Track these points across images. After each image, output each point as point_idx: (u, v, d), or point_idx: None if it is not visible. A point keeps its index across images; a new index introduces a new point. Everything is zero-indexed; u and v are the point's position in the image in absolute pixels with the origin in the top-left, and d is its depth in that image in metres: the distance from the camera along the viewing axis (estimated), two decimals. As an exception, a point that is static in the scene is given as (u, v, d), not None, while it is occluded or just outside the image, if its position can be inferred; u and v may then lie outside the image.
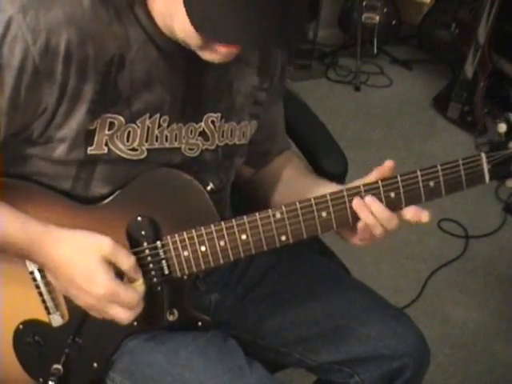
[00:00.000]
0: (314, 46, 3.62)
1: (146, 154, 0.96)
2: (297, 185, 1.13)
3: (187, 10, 0.83)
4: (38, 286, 0.98)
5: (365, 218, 0.95)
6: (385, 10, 3.50)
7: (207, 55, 0.90)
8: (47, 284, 0.98)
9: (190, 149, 1.01)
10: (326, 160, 1.36)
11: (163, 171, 0.98)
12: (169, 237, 0.96)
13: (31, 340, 1.01)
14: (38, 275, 0.98)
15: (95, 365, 1.02)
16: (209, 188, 0.97)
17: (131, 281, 0.94)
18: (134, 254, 0.96)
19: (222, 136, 1.05)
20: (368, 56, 3.52)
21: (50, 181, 0.96)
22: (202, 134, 1.02)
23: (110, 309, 0.92)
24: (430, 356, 1.16)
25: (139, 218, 0.96)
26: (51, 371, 1.01)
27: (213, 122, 1.02)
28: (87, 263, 0.90)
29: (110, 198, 0.96)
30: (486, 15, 2.90)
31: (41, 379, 1.03)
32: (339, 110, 3.17)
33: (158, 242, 0.96)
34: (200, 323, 1.03)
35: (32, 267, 0.97)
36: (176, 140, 0.99)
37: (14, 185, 0.96)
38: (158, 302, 1.00)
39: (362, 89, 3.38)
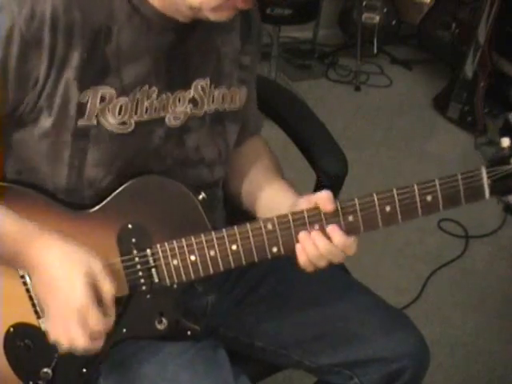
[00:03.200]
0: (314, 46, 3.62)
1: (133, 126, 0.95)
2: (259, 184, 1.12)
3: None
4: (28, 290, 0.98)
5: (309, 251, 0.95)
6: (385, 9, 3.49)
7: (219, 15, 0.90)
8: None
9: (175, 117, 1.00)
10: (326, 160, 1.35)
11: (155, 179, 0.98)
12: (158, 245, 0.96)
13: (21, 343, 1.00)
14: (28, 279, 0.97)
15: (84, 370, 1.01)
16: (200, 197, 0.97)
17: (104, 313, 0.90)
18: (124, 261, 0.96)
19: (212, 102, 1.04)
20: (368, 56, 3.52)
21: (44, 177, 0.96)
22: (192, 100, 1.01)
23: (73, 327, 0.88)
24: (429, 357, 1.16)
25: (130, 226, 0.96)
26: (41, 375, 1.01)
27: (202, 87, 1.02)
28: (72, 272, 0.89)
29: (101, 204, 0.96)
30: (485, 15, 2.90)
31: (31, 382, 1.02)
32: (339, 110, 3.16)
33: (148, 250, 0.96)
34: (189, 332, 1.02)
35: (23, 271, 0.97)
36: (163, 110, 0.98)
37: (7, 190, 0.96)
38: (147, 310, 0.99)
39: (362, 89, 3.38)
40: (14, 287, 0.98)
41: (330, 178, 1.31)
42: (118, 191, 0.96)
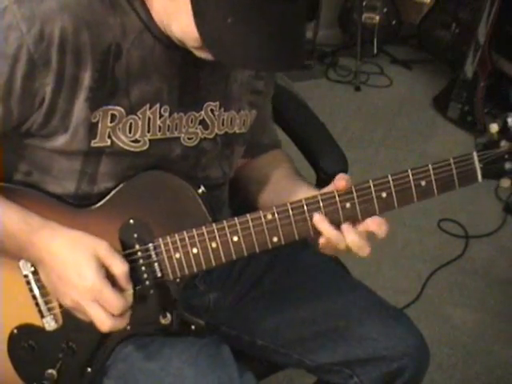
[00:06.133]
0: (314, 46, 3.62)
1: (148, 145, 0.96)
2: (282, 187, 1.13)
3: (198, 26, 0.84)
4: (31, 290, 0.98)
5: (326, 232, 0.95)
6: (385, 9, 3.50)
7: (203, 55, 0.90)
8: (41, 287, 0.98)
9: (189, 138, 1.02)
10: (326, 160, 1.36)
11: (155, 174, 0.98)
12: (160, 239, 0.96)
13: (25, 344, 1.01)
14: (31, 278, 0.97)
15: (89, 370, 1.02)
16: (200, 191, 0.98)
17: (121, 290, 0.92)
18: (126, 256, 0.96)
19: (222, 124, 1.05)
20: (368, 56, 3.52)
21: (54, 180, 0.96)
22: (202, 122, 1.02)
23: (91, 308, 0.89)
24: (429, 357, 1.16)
25: (131, 221, 0.96)
26: (45, 376, 1.01)
27: (212, 110, 1.03)
28: (80, 257, 0.90)
29: (103, 200, 0.97)
30: (485, 15, 2.90)
31: None
32: (339, 110, 3.17)
33: (150, 245, 0.96)
34: (193, 327, 1.02)
35: (26, 270, 0.97)
36: (176, 129, 0.99)
37: (10, 190, 0.96)
38: (150, 306, 0.99)
39: (362, 89, 3.38)
40: (17, 288, 0.98)
41: (330, 178, 1.31)
42: (118, 188, 0.97)
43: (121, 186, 0.97)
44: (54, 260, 0.92)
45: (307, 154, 1.39)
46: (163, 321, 1.00)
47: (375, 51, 3.57)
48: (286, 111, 1.47)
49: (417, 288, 2.18)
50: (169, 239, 0.96)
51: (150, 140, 0.96)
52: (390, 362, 1.11)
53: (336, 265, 1.36)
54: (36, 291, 0.98)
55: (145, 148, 0.96)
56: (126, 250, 0.97)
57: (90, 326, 0.93)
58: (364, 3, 3.43)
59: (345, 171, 1.34)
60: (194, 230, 0.95)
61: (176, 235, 0.96)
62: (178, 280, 0.98)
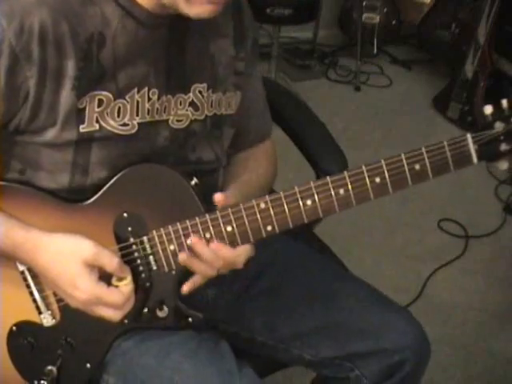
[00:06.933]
0: (314, 46, 3.62)
1: (136, 128, 0.98)
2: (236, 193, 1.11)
3: None
4: (28, 286, 0.99)
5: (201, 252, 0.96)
6: (385, 9, 3.50)
7: (195, 9, 0.91)
8: (37, 283, 0.98)
9: (178, 120, 1.03)
10: (326, 160, 1.36)
11: (148, 167, 0.99)
12: (154, 231, 0.97)
13: (24, 341, 1.01)
14: (28, 274, 0.98)
15: (88, 365, 1.02)
16: (193, 182, 0.98)
17: (120, 279, 0.94)
18: (121, 249, 0.97)
19: (211, 106, 1.06)
20: (368, 56, 3.52)
21: (48, 175, 0.97)
22: (192, 104, 1.04)
23: (97, 310, 0.93)
24: (430, 350, 1.16)
25: (125, 215, 0.97)
26: (45, 372, 1.01)
27: (200, 91, 1.04)
28: (69, 269, 0.91)
29: (97, 195, 0.97)
30: (485, 15, 2.90)
31: (35, 381, 1.02)
32: (339, 110, 3.16)
33: (145, 237, 0.97)
34: (190, 319, 1.02)
35: (22, 267, 0.98)
36: (165, 112, 1.01)
37: (4, 188, 0.97)
38: (147, 299, 1.00)
39: (362, 89, 3.38)
40: (15, 285, 0.99)
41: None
42: (111, 182, 0.97)
43: (114, 179, 0.97)
44: (46, 274, 0.93)
45: (307, 154, 1.39)
46: (160, 313, 1.01)
47: (375, 51, 3.57)
48: (286, 111, 1.47)
49: (417, 288, 2.18)
50: (162, 231, 0.97)
51: (138, 123, 0.98)
52: (391, 354, 1.11)
53: (335, 262, 1.37)
54: (33, 287, 0.98)
55: (133, 131, 0.97)
56: (120, 243, 0.97)
57: (88, 322, 0.95)
58: (364, 3, 3.43)
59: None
60: (187, 222, 0.96)
61: (170, 227, 0.96)
62: (173, 272, 0.99)
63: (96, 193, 0.97)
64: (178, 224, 0.96)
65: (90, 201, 0.97)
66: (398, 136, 3.00)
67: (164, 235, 0.97)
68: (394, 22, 3.56)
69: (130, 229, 0.97)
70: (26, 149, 0.96)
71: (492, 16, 2.89)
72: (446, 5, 3.34)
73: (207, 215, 0.96)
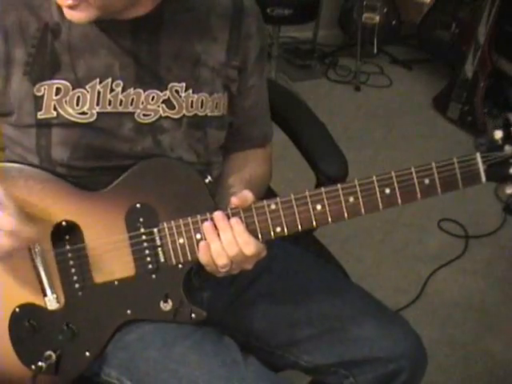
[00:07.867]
0: (314, 46, 3.62)
1: (95, 117, 0.99)
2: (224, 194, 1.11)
3: None
4: (35, 267, 0.99)
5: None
6: (385, 9, 3.50)
7: (66, 14, 0.93)
8: (45, 264, 0.99)
9: (145, 114, 1.03)
10: (326, 161, 1.35)
11: (164, 160, 1.01)
12: (165, 223, 0.98)
13: (26, 323, 1.01)
14: (35, 254, 0.98)
15: (87, 354, 1.02)
16: (207, 180, 1.00)
17: (7, 214, 0.89)
18: (131, 238, 0.98)
19: (191, 106, 1.05)
20: (368, 56, 3.52)
21: (23, 152, 1.01)
22: (166, 101, 1.04)
23: None
24: (426, 359, 1.15)
25: (138, 205, 0.98)
26: (44, 356, 1.01)
27: (177, 91, 1.04)
28: None
29: (112, 184, 0.99)
30: (486, 15, 2.90)
31: (33, 366, 1.02)
32: (339, 110, 3.17)
33: (155, 229, 0.98)
34: (194, 315, 1.02)
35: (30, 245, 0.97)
36: (132, 104, 1.01)
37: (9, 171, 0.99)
38: (152, 291, 1.00)
39: (362, 89, 3.38)
40: (21, 265, 0.99)
41: (330, 180, 1.31)
42: (128, 172, 0.99)
43: (129, 170, 0.99)
44: None
45: (307, 154, 1.39)
46: (164, 307, 1.01)
47: (375, 51, 3.57)
48: (286, 111, 1.47)
49: (417, 288, 2.18)
50: (173, 224, 0.98)
51: (98, 113, 0.99)
52: (387, 363, 1.11)
53: (332, 267, 1.36)
54: (40, 267, 0.99)
55: (91, 120, 0.99)
56: (131, 232, 0.98)
57: (91, 309, 0.96)
58: (364, 3, 3.43)
59: (344, 173, 1.34)
60: (198, 216, 0.97)
61: (180, 220, 0.97)
62: (180, 266, 1.00)
63: (112, 180, 0.99)
64: (189, 218, 0.97)
65: (106, 189, 0.99)
66: (398, 136, 3.00)
67: (174, 228, 0.98)
68: (394, 22, 3.56)
69: (141, 219, 0.98)
70: (4, 128, 1.01)
71: (492, 16, 2.88)
72: (445, 5, 3.34)
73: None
